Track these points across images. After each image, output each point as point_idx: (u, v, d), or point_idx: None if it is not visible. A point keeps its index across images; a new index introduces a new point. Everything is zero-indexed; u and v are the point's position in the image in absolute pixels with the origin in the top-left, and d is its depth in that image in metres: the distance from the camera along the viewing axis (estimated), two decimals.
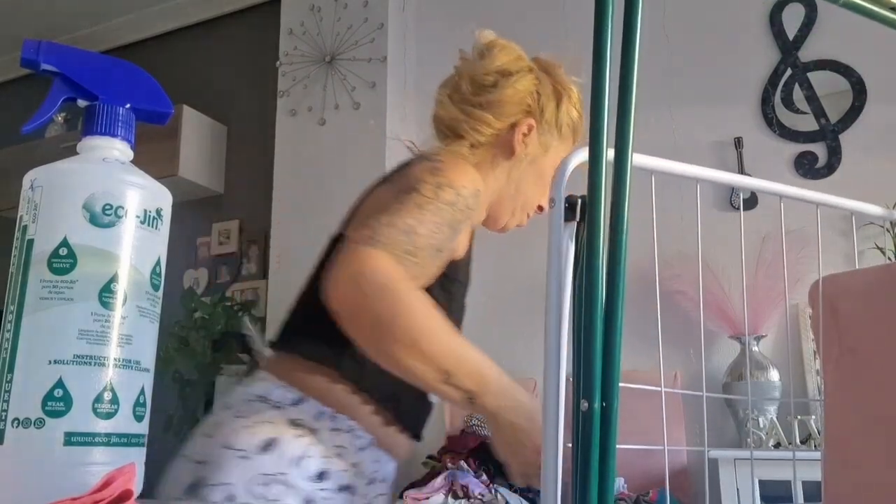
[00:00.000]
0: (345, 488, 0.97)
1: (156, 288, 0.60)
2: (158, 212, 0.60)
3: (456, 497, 2.33)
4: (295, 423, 0.95)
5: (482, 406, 0.89)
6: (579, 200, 0.61)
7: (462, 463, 2.47)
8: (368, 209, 1.00)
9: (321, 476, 0.94)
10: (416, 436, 1.10)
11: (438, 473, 2.45)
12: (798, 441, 2.13)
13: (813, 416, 2.20)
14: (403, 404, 1.03)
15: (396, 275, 0.86)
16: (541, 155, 1.16)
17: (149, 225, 0.59)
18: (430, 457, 2.71)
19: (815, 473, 0.71)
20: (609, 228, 0.54)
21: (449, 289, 1.05)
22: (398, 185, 0.98)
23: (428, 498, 2.35)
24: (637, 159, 0.64)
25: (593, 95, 0.55)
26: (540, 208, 1.21)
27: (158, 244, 0.60)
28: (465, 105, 1.14)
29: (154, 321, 0.60)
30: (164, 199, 0.61)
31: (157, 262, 0.60)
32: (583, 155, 0.60)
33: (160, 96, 0.65)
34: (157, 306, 0.60)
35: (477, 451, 2.54)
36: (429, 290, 0.97)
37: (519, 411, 0.90)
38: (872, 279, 0.70)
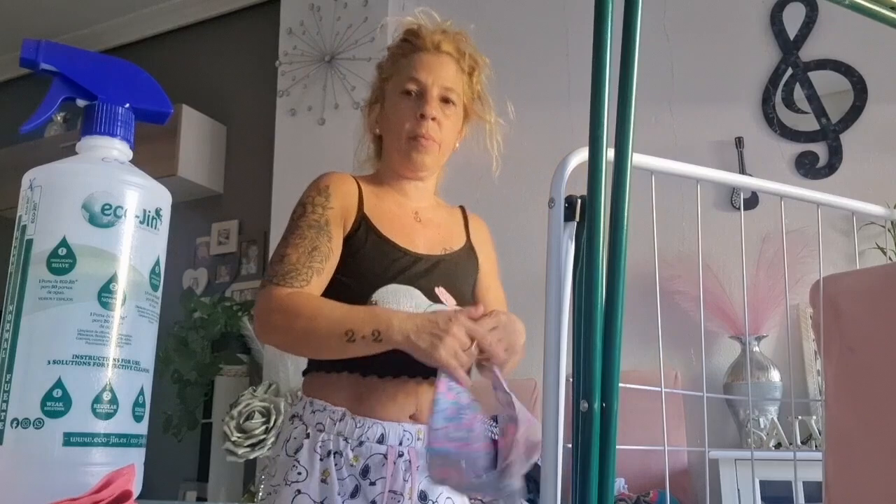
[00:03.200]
0: (334, 453, 1.20)
1: (155, 288, 0.60)
2: (158, 212, 0.60)
3: None
4: (292, 417, 1.28)
5: (390, 338, 1.11)
6: (579, 200, 0.61)
7: None
8: None
9: (297, 450, 1.22)
10: (397, 374, 1.24)
11: None
12: (799, 441, 2.13)
13: (814, 417, 2.20)
14: (353, 363, 1.23)
15: (277, 298, 1.18)
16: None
17: (148, 225, 0.59)
18: None
19: (816, 474, 0.71)
20: (609, 228, 0.54)
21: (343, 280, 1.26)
22: None
23: None
24: (637, 159, 0.64)
25: (593, 95, 0.54)
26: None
27: (158, 244, 0.60)
28: None
29: (153, 321, 0.60)
30: (163, 198, 0.61)
31: (157, 262, 0.60)
32: (583, 155, 0.60)
33: (159, 96, 0.65)
34: (156, 306, 0.60)
35: None
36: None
37: (410, 319, 1.12)
38: (873, 279, 0.70)
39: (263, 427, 2.56)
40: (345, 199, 1.31)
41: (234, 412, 2.60)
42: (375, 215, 1.31)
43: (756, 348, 2.43)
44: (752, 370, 2.35)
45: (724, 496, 2.16)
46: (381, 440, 1.22)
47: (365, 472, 1.21)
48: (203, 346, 3.08)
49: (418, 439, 1.24)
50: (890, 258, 2.34)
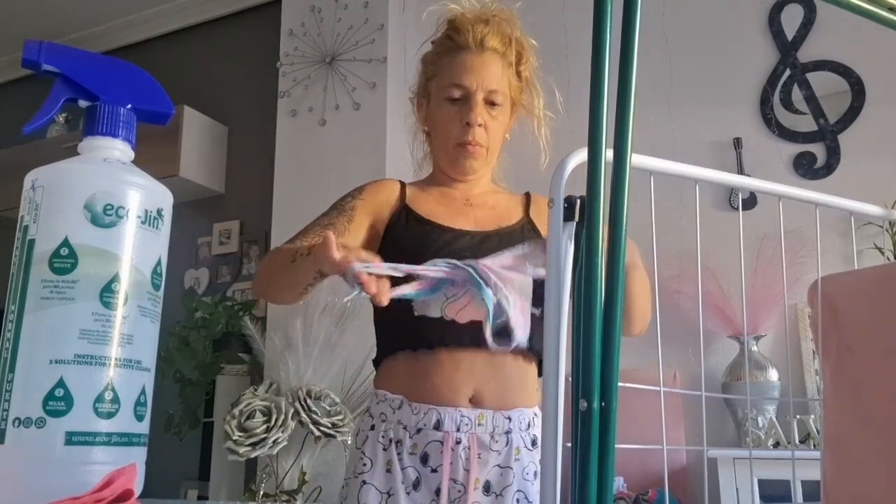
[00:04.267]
0: (395, 442, 1.21)
1: (156, 288, 0.60)
2: (159, 212, 0.60)
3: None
4: (365, 411, 1.31)
5: (316, 254, 1.05)
6: (578, 201, 0.61)
7: None
8: None
9: (364, 442, 1.24)
10: (444, 343, 1.22)
11: None
12: (797, 441, 2.14)
13: (812, 416, 2.20)
14: (402, 338, 1.24)
15: (268, 256, 1.24)
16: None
17: (149, 225, 0.59)
18: None
19: (815, 473, 0.71)
20: (608, 229, 0.54)
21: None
22: None
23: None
24: (636, 159, 0.64)
25: (592, 95, 0.55)
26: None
27: (159, 244, 0.60)
28: None
29: (155, 321, 0.60)
30: (164, 199, 0.62)
31: (158, 262, 0.60)
32: (582, 155, 0.60)
33: (161, 97, 0.66)
34: (157, 306, 0.60)
35: None
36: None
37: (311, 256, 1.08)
38: (871, 279, 0.70)
39: (264, 426, 2.56)
40: (381, 193, 1.32)
41: (236, 411, 2.60)
42: (418, 203, 1.31)
43: (754, 348, 2.44)
44: (751, 370, 2.35)
45: (723, 495, 2.16)
46: (437, 426, 1.19)
47: (424, 459, 1.20)
48: (204, 346, 3.08)
49: (479, 425, 1.20)
50: (888, 258, 2.35)
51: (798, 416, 2.19)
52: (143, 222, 0.58)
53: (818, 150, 2.64)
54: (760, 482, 2.09)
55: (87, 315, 0.55)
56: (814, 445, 2.12)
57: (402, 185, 1.36)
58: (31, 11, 3.92)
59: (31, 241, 0.56)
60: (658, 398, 0.73)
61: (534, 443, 1.25)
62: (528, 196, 1.44)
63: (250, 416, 2.59)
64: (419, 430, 1.20)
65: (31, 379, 0.54)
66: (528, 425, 1.25)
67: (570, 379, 0.55)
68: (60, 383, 0.54)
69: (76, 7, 3.92)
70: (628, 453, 2.15)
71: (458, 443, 1.19)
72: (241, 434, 2.55)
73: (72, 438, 0.53)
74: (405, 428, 1.21)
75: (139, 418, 0.57)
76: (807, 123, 2.66)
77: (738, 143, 2.72)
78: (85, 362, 0.54)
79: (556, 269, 0.61)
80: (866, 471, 0.64)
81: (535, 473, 1.23)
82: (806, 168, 2.63)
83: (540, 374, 1.26)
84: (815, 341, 0.74)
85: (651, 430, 1.94)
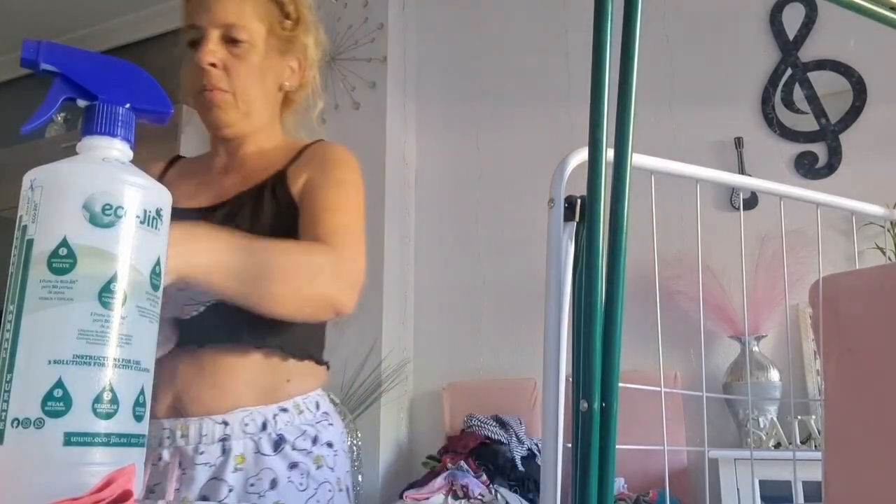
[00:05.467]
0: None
1: (156, 288, 0.60)
2: (158, 212, 0.60)
3: (456, 497, 2.33)
4: None
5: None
6: (579, 200, 0.61)
7: (462, 463, 2.47)
8: None
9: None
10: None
11: (438, 473, 2.45)
12: (798, 441, 2.13)
13: (813, 416, 2.20)
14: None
15: None
16: None
17: (149, 225, 0.59)
18: (429, 457, 2.71)
19: (816, 473, 0.71)
20: (609, 228, 0.54)
21: None
22: None
23: (428, 498, 2.35)
24: (637, 159, 0.64)
25: (593, 95, 0.54)
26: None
27: (158, 244, 0.60)
28: None
29: (154, 321, 0.60)
30: (163, 199, 0.61)
31: (157, 262, 0.60)
32: (582, 155, 0.60)
33: (160, 96, 0.65)
34: (156, 306, 0.60)
35: (477, 451, 2.54)
36: None
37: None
38: (872, 279, 0.70)
39: None
40: None
41: None
42: (169, 184, 1.02)
43: (755, 348, 2.43)
44: (752, 370, 2.35)
45: (724, 496, 2.16)
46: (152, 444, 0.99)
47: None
48: None
49: (182, 436, 1.00)
50: (889, 258, 2.35)
51: (799, 417, 2.19)
52: (142, 222, 0.58)
53: (819, 149, 2.63)
54: (761, 483, 2.09)
55: (86, 315, 0.55)
56: (815, 446, 2.12)
57: (168, 164, 1.21)
58: (30, 10, 3.92)
59: (30, 241, 0.56)
60: (659, 398, 0.73)
61: (277, 446, 1.02)
62: (309, 145, 1.18)
63: None
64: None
65: (29, 379, 0.54)
66: (263, 426, 1.03)
67: (571, 379, 0.55)
68: (59, 384, 0.53)
69: (75, 6, 3.92)
70: (629, 454, 2.15)
71: (161, 459, 1.00)
72: None
73: (70, 439, 0.53)
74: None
75: (138, 419, 0.57)
76: (808, 123, 2.66)
77: (739, 142, 2.72)
78: (84, 363, 0.54)
79: (556, 270, 0.60)
80: (868, 470, 0.64)
81: (274, 482, 1.00)
82: (807, 168, 2.63)
83: (298, 357, 1.07)
84: (816, 341, 0.74)
85: (652, 431, 1.94)
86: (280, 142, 1.19)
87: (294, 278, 0.95)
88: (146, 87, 0.64)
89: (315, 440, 1.06)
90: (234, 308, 0.90)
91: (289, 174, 1.10)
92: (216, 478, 0.99)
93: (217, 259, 0.86)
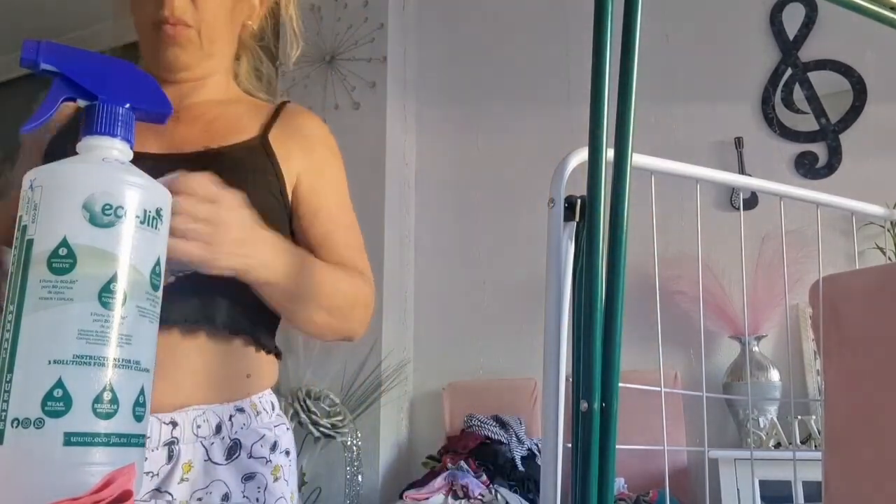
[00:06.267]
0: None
1: (155, 288, 0.60)
2: (158, 212, 0.60)
3: (456, 497, 2.33)
4: None
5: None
6: (579, 200, 0.61)
7: (462, 463, 2.47)
8: None
9: None
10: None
11: (438, 473, 2.45)
12: (798, 441, 2.13)
13: (813, 417, 2.20)
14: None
15: None
16: None
17: (148, 225, 0.59)
18: (429, 457, 2.71)
19: (816, 473, 0.71)
20: (609, 228, 0.54)
21: None
22: None
23: (427, 498, 2.35)
24: (637, 159, 0.64)
25: (593, 95, 0.54)
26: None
27: (158, 244, 0.60)
28: None
29: (154, 321, 0.60)
30: (163, 198, 0.61)
31: (157, 262, 0.60)
32: (582, 155, 0.60)
33: (160, 96, 0.65)
34: (156, 306, 0.60)
35: (477, 451, 2.54)
36: None
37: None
38: (873, 279, 0.70)
39: None
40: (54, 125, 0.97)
41: None
42: None
43: (755, 348, 2.43)
44: (752, 370, 2.35)
45: (724, 496, 2.16)
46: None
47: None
48: None
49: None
50: (889, 258, 2.35)
51: (799, 417, 2.19)
52: (141, 222, 0.58)
53: (819, 149, 2.64)
54: (762, 483, 2.09)
55: (86, 315, 0.55)
56: (815, 446, 2.12)
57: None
58: (30, 10, 3.92)
59: (30, 241, 0.56)
60: (659, 399, 0.73)
61: (231, 453, 0.88)
62: (281, 107, 1.02)
63: None
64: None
65: (29, 379, 0.54)
66: (217, 429, 0.88)
67: (571, 379, 0.55)
68: (59, 384, 0.53)
69: (75, 6, 3.92)
70: (629, 454, 2.15)
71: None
72: None
73: (70, 439, 0.53)
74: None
75: (138, 419, 0.57)
76: (808, 123, 2.66)
77: (739, 142, 2.72)
78: (84, 363, 0.54)
79: (556, 270, 0.60)
80: (868, 471, 0.64)
81: (226, 497, 0.86)
82: (807, 168, 2.63)
83: (266, 350, 0.94)
84: (816, 341, 0.74)
85: (652, 431, 1.94)
86: (236, 94, 1.05)
87: (338, 311, 0.93)
88: (146, 87, 0.65)
89: (274, 447, 0.93)
90: (211, 281, 0.77)
91: (273, 142, 0.96)
92: (159, 489, 0.83)
93: (276, 275, 0.82)
